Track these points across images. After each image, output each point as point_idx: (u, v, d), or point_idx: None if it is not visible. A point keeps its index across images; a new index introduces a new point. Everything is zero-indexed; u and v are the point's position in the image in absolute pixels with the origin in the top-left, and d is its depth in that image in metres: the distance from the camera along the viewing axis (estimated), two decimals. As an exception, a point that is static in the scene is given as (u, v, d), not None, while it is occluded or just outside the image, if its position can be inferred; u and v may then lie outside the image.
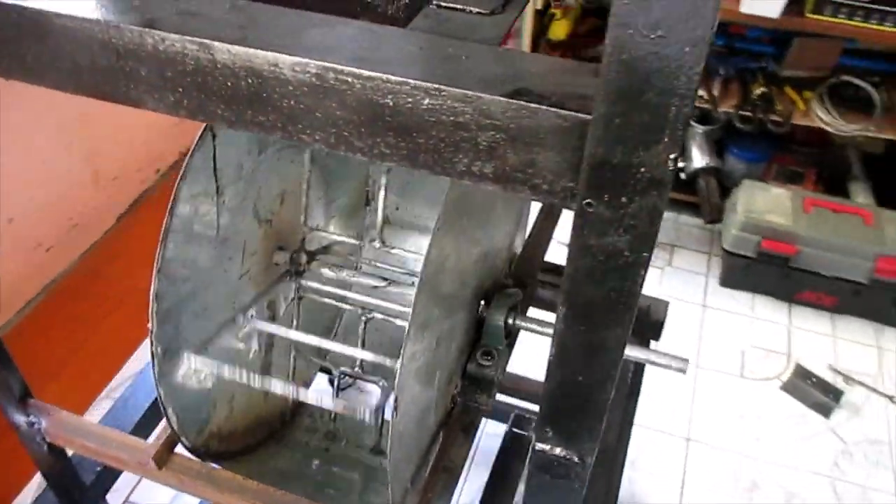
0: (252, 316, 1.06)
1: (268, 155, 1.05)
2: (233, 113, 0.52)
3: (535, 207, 1.25)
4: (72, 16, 0.52)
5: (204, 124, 0.89)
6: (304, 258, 1.13)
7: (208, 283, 0.98)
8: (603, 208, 0.47)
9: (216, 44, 0.49)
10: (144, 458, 0.97)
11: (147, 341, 0.91)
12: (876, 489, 2.03)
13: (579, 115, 0.44)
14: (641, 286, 0.50)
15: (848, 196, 2.72)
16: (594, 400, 0.59)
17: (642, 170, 0.44)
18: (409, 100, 0.47)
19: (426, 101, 0.47)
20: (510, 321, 1.04)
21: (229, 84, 0.51)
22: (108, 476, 1.32)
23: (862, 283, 2.39)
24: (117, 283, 2.44)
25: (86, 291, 2.43)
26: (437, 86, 0.46)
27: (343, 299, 1.15)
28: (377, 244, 1.11)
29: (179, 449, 1.01)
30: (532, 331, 1.08)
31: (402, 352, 0.77)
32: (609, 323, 0.53)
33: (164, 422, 0.99)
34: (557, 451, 0.64)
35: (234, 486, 0.94)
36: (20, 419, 1.03)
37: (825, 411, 2.21)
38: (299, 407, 1.32)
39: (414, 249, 1.18)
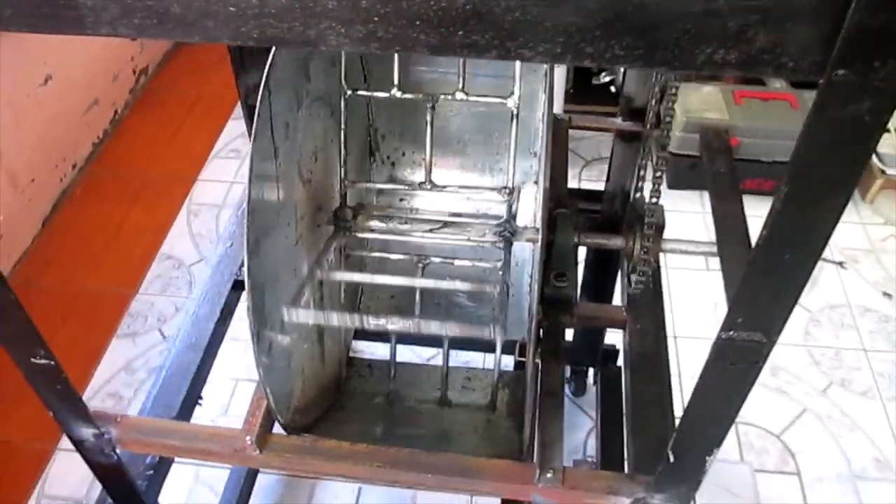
0: (313, 282, 1.02)
1: (303, 111, 0.99)
2: (439, 37, 0.48)
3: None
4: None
5: (259, 83, 0.82)
6: (349, 213, 1.08)
7: (278, 256, 0.93)
8: (853, 77, 0.46)
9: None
10: (242, 445, 0.92)
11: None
12: (846, 348, 2.19)
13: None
14: (870, 154, 0.51)
15: (764, 84, 2.87)
16: (797, 276, 0.61)
17: (898, 31, 0.44)
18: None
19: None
20: (576, 240, 1.04)
21: (442, 4, 0.47)
22: (159, 477, 1.25)
23: (798, 163, 2.53)
24: (58, 293, 2.28)
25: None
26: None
27: (397, 249, 1.12)
28: (427, 186, 1.07)
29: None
30: (597, 246, 1.09)
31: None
32: (829, 196, 0.54)
33: (251, 405, 0.95)
34: (745, 335, 0.65)
35: (345, 454, 0.91)
36: (87, 432, 0.96)
37: (788, 287, 2.35)
38: (350, 369, 1.29)
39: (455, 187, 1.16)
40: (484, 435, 1.15)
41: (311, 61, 0.99)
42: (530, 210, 1.20)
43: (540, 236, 0.83)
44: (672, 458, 0.78)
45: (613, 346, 1.92)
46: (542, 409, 0.94)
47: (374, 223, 1.08)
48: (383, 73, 1.22)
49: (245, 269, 0.79)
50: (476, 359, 1.69)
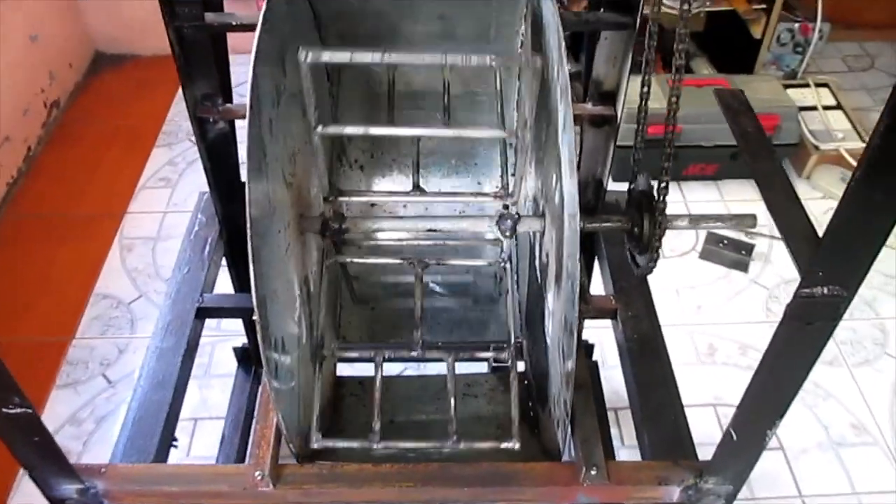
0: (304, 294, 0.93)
1: (281, 108, 0.90)
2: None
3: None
4: None
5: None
6: (335, 223, 1.00)
7: (274, 266, 0.84)
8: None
9: None
10: (253, 481, 0.82)
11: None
12: (807, 321, 2.22)
13: None
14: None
15: (692, 72, 2.93)
16: (880, 227, 0.57)
17: None
18: None
19: None
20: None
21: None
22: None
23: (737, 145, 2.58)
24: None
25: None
26: None
27: (392, 254, 1.04)
28: (415, 194, 1.00)
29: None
30: (596, 230, 1.05)
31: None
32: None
33: (254, 436, 0.85)
34: (826, 290, 0.61)
35: (370, 477, 0.83)
36: (69, 489, 0.84)
37: (743, 267, 2.38)
38: (340, 389, 1.20)
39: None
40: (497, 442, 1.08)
41: (287, 54, 0.90)
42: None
43: (574, 219, 0.77)
44: (735, 436, 0.73)
45: (587, 340, 1.88)
46: (574, 404, 0.87)
47: (367, 223, 1.00)
48: (352, 76, 1.15)
49: (252, 278, 0.70)
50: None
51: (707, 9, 2.73)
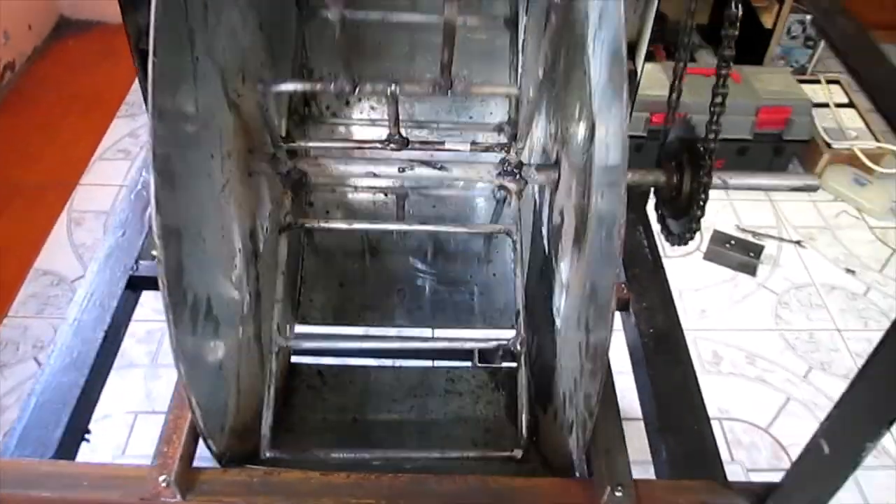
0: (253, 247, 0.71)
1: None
2: None
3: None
4: None
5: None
6: (291, 157, 0.78)
7: (200, 200, 0.62)
8: None
9: None
10: (156, 488, 0.60)
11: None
12: (820, 329, 2.04)
13: None
14: None
15: (696, 61, 2.76)
16: None
17: None
18: None
19: None
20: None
21: None
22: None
23: (746, 139, 2.40)
24: None
25: None
26: None
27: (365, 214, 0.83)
28: (396, 137, 0.78)
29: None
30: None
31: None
32: None
33: (165, 427, 0.63)
34: None
35: (316, 489, 0.61)
36: None
37: (751, 270, 2.19)
38: (293, 379, 0.98)
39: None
40: (489, 450, 0.87)
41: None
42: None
43: (623, 131, 0.56)
44: (827, 449, 0.52)
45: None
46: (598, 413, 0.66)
47: (331, 163, 0.78)
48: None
49: (152, 198, 0.48)
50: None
51: (716, -4, 2.55)
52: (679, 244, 0.82)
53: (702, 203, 0.76)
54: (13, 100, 2.65)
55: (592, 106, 0.62)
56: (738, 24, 0.76)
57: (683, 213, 0.79)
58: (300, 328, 1.05)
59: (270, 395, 0.85)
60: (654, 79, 2.40)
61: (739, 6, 0.75)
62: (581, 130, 0.68)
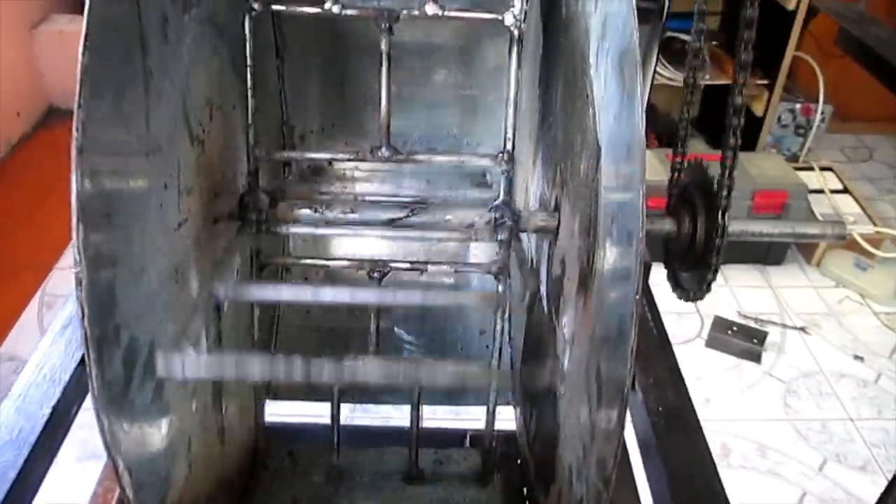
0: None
1: (191, 22, 0.63)
2: None
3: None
4: None
5: None
6: (263, 199, 0.70)
7: (143, 220, 0.54)
8: None
9: None
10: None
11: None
12: (832, 419, 1.92)
13: None
14: None
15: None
16: None
17: None
18: None
19: None
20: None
21: None
22: None
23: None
24: None
25: None
26: None
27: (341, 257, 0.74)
28: (385, 153, 0.71)
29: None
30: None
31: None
32: None
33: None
34: None
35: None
36: None
37: (755, 357, 2.10)
38: (259, 457, 0.87)
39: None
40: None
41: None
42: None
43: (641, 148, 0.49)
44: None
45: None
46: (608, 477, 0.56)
47: (304, 213, 0.70)
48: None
49: (73, 196, 0.40)
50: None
51: (706, 82, 2.57)
52: (694, 299, 0.73)
53: (718, 250, 0.68)
54: (-4, 183, 2.61)
55: (598, 126, 0.55)
56: (742, 114, 0.71)
57: (696, 265, 0.71)
58: (270, 404, 0.94)
59: (231, 473, 0.74)
60: (649, 165, 2.38)
61: (743, 97, 0.70)
62: (584, 161, 0.61)
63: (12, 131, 2.83)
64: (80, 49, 0.41)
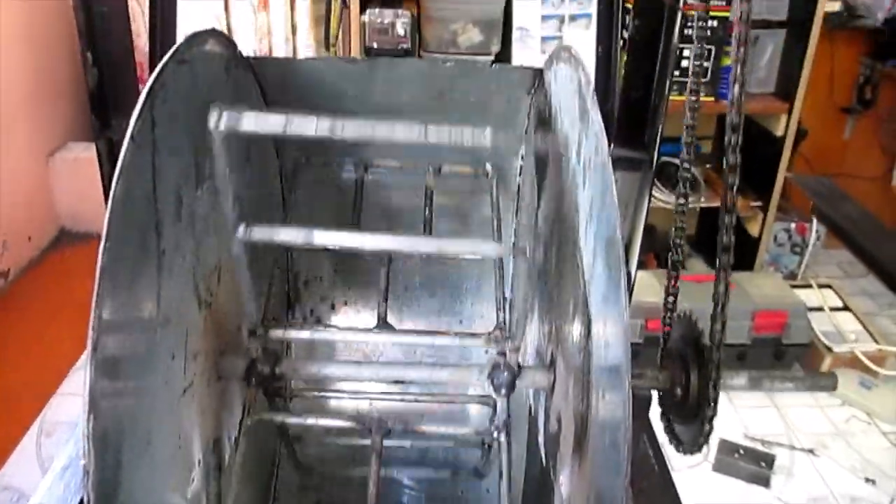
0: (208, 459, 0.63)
1: (203, 193, 0.67)
2: None
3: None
4: None
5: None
6: (268, 362, 0.72)
7: (151, 396, 0.56)
8: None
9: None
10: None
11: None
12: (849, 549, 1.86)
13: None
14: None
15: (685, 268, 2.80)
16: None
17: None
18: None
19: None
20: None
21: None
22: None
23: (745, 344, 2.36)
24: None
25: None
26: None
27: (344, 414, 0.75)
28: (377, 332, 0.73)
29: None
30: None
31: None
32: None
33: None
34: None
35: None
36: None
37: (763, 481, 2.05)
38: None
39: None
40: None
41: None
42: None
43: (625, 330, 0.51)
44: None
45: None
46: None
47: (310, 369, 0.72)
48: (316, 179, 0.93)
49: (85, 395, 0.42)
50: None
51: (701, 204, 2.64)
52: (690, 452, 0.74)
53: (713, 402, 0.69)
54: (3, 306, 2.64)
55: (588, 299, 0.58)
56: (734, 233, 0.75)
57: (692, 417, 0.72)
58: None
59: None
60: (647, 285, 2.41)
61: (735, 216, 0.74)
62: (577, 328, 0.63)
63: (22, 255, 2.88)
64: (100, 252, 0.44)
